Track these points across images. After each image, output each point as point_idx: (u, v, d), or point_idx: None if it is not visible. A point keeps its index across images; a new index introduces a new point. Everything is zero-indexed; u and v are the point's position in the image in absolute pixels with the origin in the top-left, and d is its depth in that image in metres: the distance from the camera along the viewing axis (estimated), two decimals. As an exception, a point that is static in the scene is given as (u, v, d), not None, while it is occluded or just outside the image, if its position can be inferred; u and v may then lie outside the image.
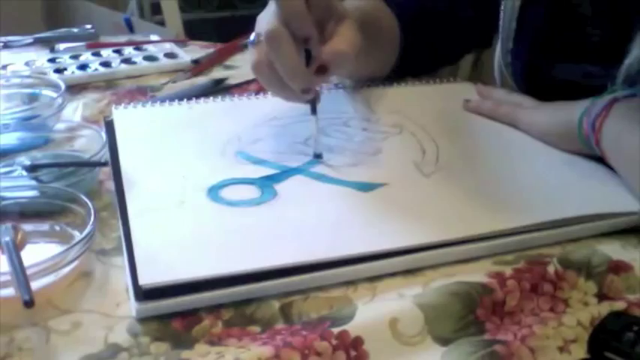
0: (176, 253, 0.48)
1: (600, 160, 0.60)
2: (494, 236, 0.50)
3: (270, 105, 0.74)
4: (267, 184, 0.57)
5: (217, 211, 0.54)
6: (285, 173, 0.59)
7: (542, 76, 0.73)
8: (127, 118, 0.71)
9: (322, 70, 0.58)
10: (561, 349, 0.42)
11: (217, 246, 0.49)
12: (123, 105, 0.75)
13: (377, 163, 0.62)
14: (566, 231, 0.52)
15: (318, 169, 0.60)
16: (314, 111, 0.62)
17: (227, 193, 0.56)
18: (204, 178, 0.58)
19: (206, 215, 0.53)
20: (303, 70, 0.58)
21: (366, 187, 0.57)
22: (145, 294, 0.44)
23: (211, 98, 0.76)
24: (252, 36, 0.58)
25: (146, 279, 0.44)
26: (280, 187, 0.57)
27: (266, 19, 0.57)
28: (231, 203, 0.54)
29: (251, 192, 0.56)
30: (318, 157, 0.62)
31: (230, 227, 0.51)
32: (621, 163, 0.57)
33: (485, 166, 0.61)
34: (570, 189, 0.57)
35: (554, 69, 0.73)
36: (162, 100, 0.77)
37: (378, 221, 0.52)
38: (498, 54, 0.76)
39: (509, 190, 0.57)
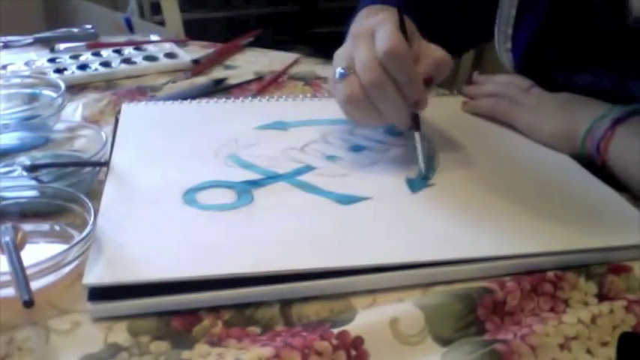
0: (134, 254, 0.47)
1: (599, 173, 0.60)
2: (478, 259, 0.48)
3: (275, 108, 0.75)
4: (245, 190, 0.56)
5: (187, 213, 0.53)
6: (268, 179, 0.58)
7: (540, 71, 0.72)
8: (133, 116, 0.71)
9: (427, 82, 0.59)
10: (562, 347, 0.42)
11: (177, 249, 0.48)
12: (134, 102, 0.75)
13: (368, 176, 0.60)
14: (564, 259, 0.49)
15: (305, 177, 0.59)
16: (418, 127, 0.60)
17: (204, 196, 0.55)
18: (186, 180, 0.57)
19: (174, 217, 0.52)
20: (420, 81, 0.58)
21: (346, 199, 0.55)
22: (94, 293, 0.44)
23: (215, 99, 0.77)
24: (341, 70, 0.59)
25: (92, 278, 0.44)
26: (259, 192, 0.56)
27: (361, 51, 0.58)
28: (203, 207, 0.53)
29: (228, 196, 0.55)
30: (425, 178, 0.59)
31: (196, 231, 0.50)
32: (633, 182, 0.57)
33: (483, 186, 0.58)
34: (570, 216, 0.54)
35: (553, 66, 0.73)
36: (162, 100, 0.77)
37: (345, 236, 0.50)
38: (496, 40, 0.76)
39: (503, 212, 0.54)
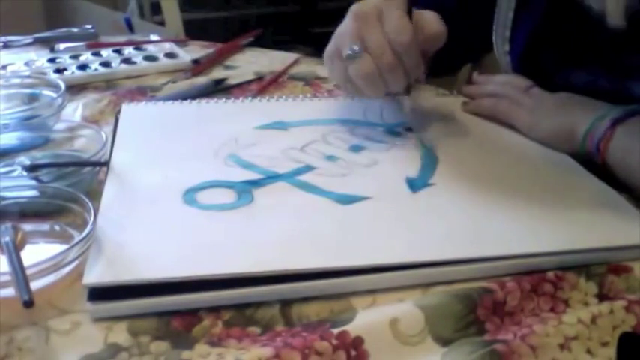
0: (134, 254, 0.47)
1: (599, 173, 0.60)
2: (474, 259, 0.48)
3: (275, 108, 0.75)
4: (245, 190, 0.56)
5: (187, 213, 0.53)
6: (268, 179, 0.58)
7: (537, 72, 0.72)
8: (132, 115, 0.71)
9: (423, 55, 0.65)
10: (562, 347, 0.42)
11: (177, 249, 0.48)
12: (134, 102, 0.75)
13: (368, 176, 0.60)
14: (564, 259, 0.49)
15: (305, 177, 0.59)
16: (409, 93, 0.68)
17: (204, 196, 0.55)
18: (186, 180, 0.57)
19: (174, 217, 0.52)
20: (421, 62, 0.64)
21: (346, 199, 0.55)
22: (94, 293, 0.44)
23: (215, 99, 0.77)
24: (355, 48, 0.63)
25: (91, 278, 0.44)
26: (259, 192, 0.56)
27: (372, 33, 0.62)
28: (203, 207, 0.53)
29: (228, 196, 0.55)
30: (409, 130, 0.68)
31: (196, 231, 0.50)
32: (633, 181, 0.57)
33: (485, 187, 0.58)
34: (570, 216, 0.53)
35: (550, 66, 0.72)
36: (162, 100, 0.77)
37: (345, 236, 0.50)
38: (495, 42, 0.76)
39: (503, 212, 0.53)
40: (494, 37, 0.75)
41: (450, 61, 0.83)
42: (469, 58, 0.95)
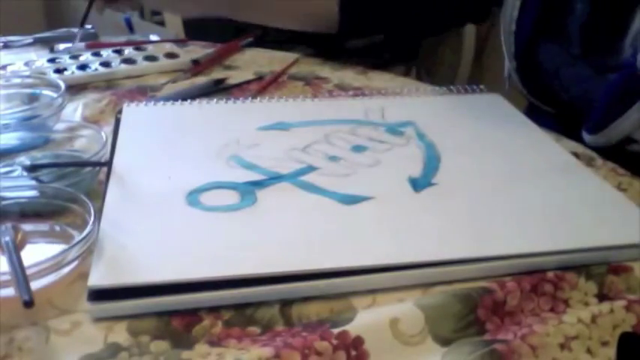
0: (139, 256, 0.47)
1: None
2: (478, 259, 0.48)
3: (276, 109, 0.75)
4: (249, 190, 0.56)
5: (191, 215, 0.53)
6: (271, 180, 0.58)
7: (530, 56, 0.71)
8: (134, 117, 0.71)
9: None
10: (562, 347, 0.42)
11: (181, 251, 0.48)
12: (135, 103, 0.75)
13: (370, 176, 0.60)
14: (564, 259, 0.49)
15: (307, 177, 0.59)
16: None
17: (207, 197, 0.55)
18: (189, 181, 0.57)
19: (179, 219, 0.52)
20: None
21: (349, 199, 0.55)
22: (94, 293, 0.44)
23: (215, 99, 0.77)
24: None
25: (97, 280, 0.44)
26: (262, 193, 0.56)
27: None
28: (206, 208, 0.53)
29: (232, 197, 0.55)
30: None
31: (200, 233, 0.50)
32: None
33: (487, 186, 0.58)
34: (571, 215, 0.53)
35: (539, 49, 0.71)
36: (163, 100, 0.77)
37: (349, 236, 0.50)
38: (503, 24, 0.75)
39: (504, 212, 0.54)
40: (501, 17, 0.75)
41: (452, 17, 0.80)
42: (472, 17, 0.92)
